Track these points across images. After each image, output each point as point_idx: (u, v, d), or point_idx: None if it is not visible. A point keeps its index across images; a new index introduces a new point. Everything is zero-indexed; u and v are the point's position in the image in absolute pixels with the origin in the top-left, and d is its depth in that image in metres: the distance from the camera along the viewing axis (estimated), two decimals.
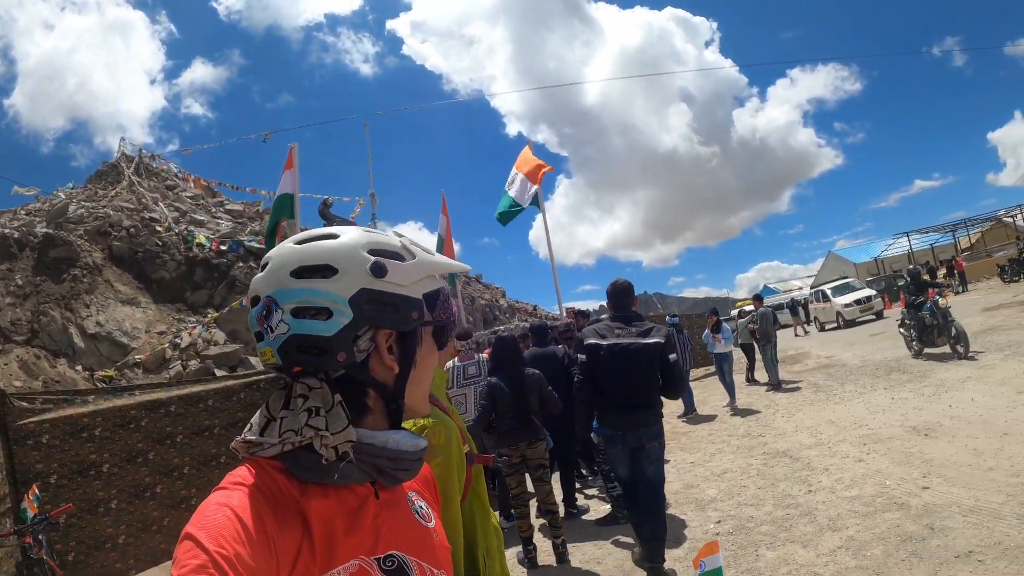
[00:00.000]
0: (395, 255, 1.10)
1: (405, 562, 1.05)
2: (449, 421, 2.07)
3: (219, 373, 16.01)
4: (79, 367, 15.89)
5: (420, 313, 1.10)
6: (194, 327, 18.44)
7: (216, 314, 18.90)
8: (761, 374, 14.30)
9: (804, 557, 4.73)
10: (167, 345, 17.35)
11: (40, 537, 4.84)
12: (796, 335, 29.43)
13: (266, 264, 1.08)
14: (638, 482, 4.98)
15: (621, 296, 5.21)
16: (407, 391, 1.12)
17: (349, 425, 1.03)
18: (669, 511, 5.65)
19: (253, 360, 17.79)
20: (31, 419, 5.76)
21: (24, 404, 5.77)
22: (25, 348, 15.62)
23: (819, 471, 6.71)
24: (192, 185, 33.54)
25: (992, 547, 4.13)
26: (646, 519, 4.93)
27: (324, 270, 1.05)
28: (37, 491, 5.26)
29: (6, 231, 19.35)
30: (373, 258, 1.07)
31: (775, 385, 13.45)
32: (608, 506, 6.99)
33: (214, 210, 30.69)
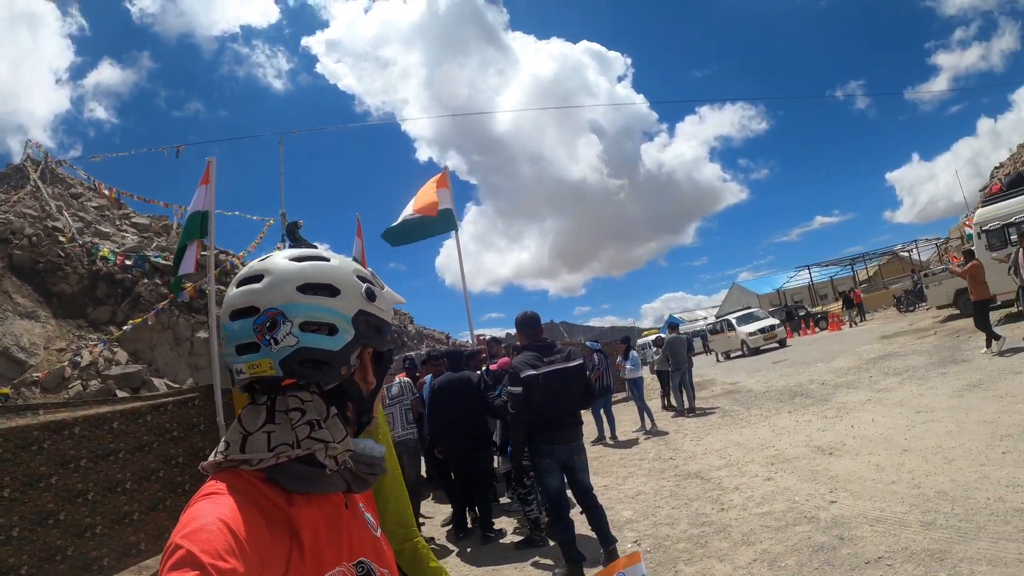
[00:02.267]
0: (373, 283, 1.20)
1: (370, 568, 1.12)
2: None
3: (121, 394, 15.39)
4: None
5: (391, 337, 1.23)
6: (96, 345, 17.67)
7: (119, 332, 18.16)
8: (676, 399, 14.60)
9: (722, 570, 4.87)
10: (67, 363, 16.57)
11: None
12: (718, 360, 30.23)
13: (259, 277, 1.11)
14: (573, 488, 5.45)
15: (534, 327, 5.58)
16: (374, 405, 1.24)
17: (347, 435, 1.10)
18: (584, 532, 5.74)
19: (156, 381, 17.17)
20: None
21: None
22: None
23: (730, 490, 6.91)
24: (107, 194, 32.19)
25: (900, 552, 4.35)
26: (588, 515, 5.44)
27: (328, 289, 1.13)
28: None
29: None
30: (364, 284, 1.17)
31: (682, 411, 13.79)
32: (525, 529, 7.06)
33: (119, 223, 29.59)
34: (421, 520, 8.26)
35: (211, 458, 1.06)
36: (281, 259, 1.15)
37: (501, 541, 7.05)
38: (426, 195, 12.76)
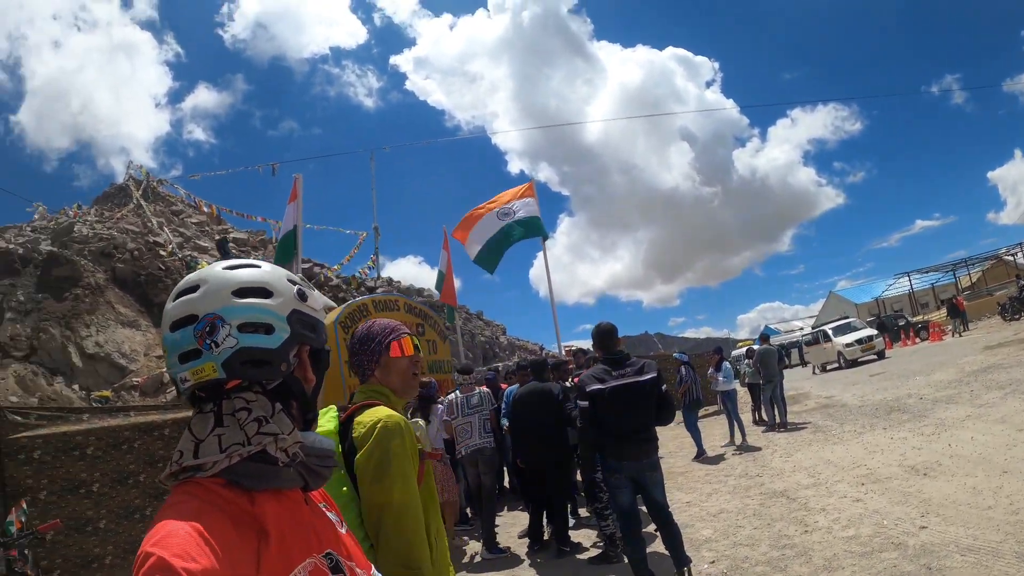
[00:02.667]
0: (304, 285, 1.23)
1: (339, 561, 1.14)
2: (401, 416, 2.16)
3: None
4: (76, 386, 15.82)
5: (325, 337, 1.26)
6: None
7: None
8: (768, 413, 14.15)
9: None
10: (165, 369, 17.27)
11: (26, 552, 4.83)
12: (815, 373, 29.04)
13: (195, 287, 1.16)
14: (647, 505, 5.22)
15: (607, 338, 5.40)
16: (317, 402, 1.25)
17: (295, 428, 1.15)
18: (659, 550, 5.60)
19: None
20: (24, 433, 5.74)
21: (18, 418, 5.75)
22: (23, 364, 15.58)
23: (816, 511, 6.63)
24: (208, 210, 33.57)
25: None
26: (662, 533, 5.23)
27: (262, 291, 1.17)
28: (24, 506, 5.24)
29: (11, 247, 19.41)
30: (295, 286, 1.22)
31: (773, 425, 13.35)
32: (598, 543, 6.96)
33: (218, 238, 30.77)
34: (497, 528, 8.25)
35: (166, 471, 1.08)
36: (215, 268, 1.20)
37: (577, 556, 6.91)
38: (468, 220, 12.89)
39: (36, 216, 29.80)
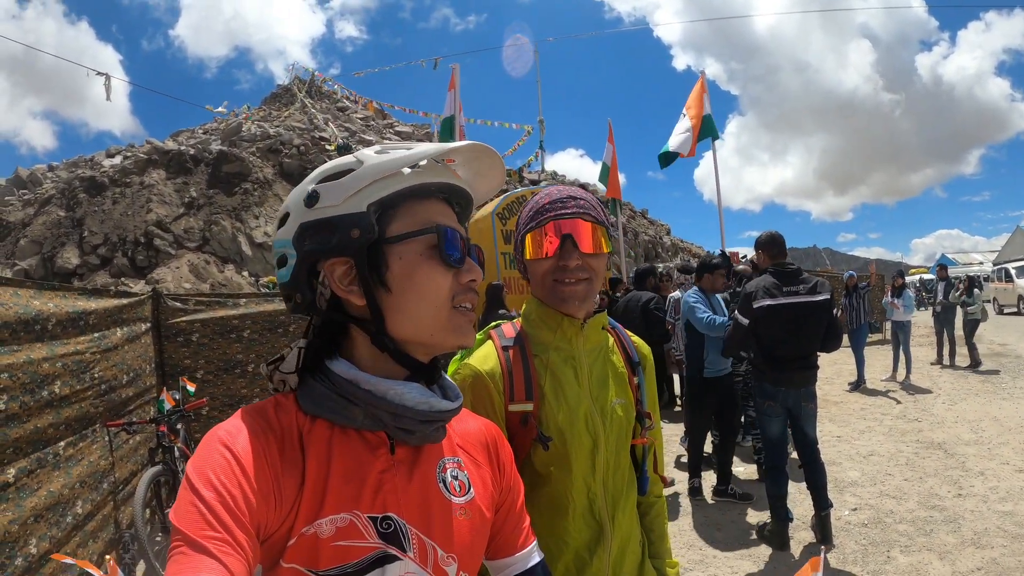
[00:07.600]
0: (338, 174, 0.98)
1: (402, 529, 0.94)
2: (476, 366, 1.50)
3: None
4: (245, 273, 16.88)
5: (365, 228, 0.94)
6: None
7: None
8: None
9: (938, 570, 4.30)
10: None
11: (178, 427, 5.21)
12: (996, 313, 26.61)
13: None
14: (795, 440, 4.96)
15: (779, 247, 4.99)
16: (390, 321, 0.97)
17: (294, 373, 0.98)
18: (803, 490, 5.30)
19: None
20: (183, 318, 6.12)
21: (177, 304, 6.13)
22: (196, 254, 16.77)
23: (973, 474, 6.14)
24: (364, 107, 34.52)
25: None
26: (806, 472, 4.89)
27: (282, 219, 1.00)
28: (184, 383, 5.61)
29: (182, 148, 20.70)
30: (311, 187, 0.97)
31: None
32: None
33: (383, 132, 31.53)
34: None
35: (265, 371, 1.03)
36: None
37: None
38: (695, 103, 12.04)
39: (234, 112, 31.37)
